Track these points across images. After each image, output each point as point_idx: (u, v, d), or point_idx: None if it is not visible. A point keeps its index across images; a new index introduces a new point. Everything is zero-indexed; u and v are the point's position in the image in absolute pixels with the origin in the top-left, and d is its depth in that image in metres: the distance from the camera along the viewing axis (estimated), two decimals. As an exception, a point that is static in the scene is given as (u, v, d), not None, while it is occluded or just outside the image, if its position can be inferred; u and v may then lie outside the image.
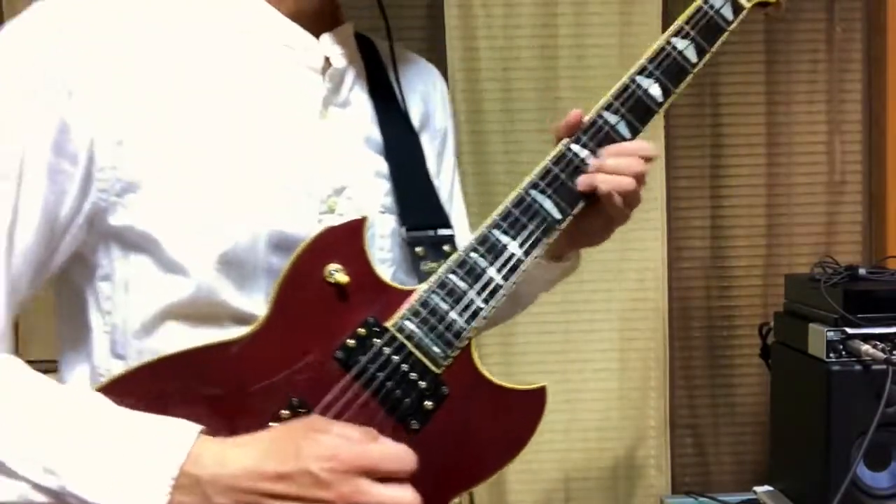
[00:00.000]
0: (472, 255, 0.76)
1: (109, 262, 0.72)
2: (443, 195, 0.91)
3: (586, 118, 0.81)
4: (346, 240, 0.74)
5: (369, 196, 0.82)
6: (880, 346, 1.31)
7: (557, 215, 0.79)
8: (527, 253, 0.77)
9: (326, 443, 0.63)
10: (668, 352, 1.91)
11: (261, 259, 0.73)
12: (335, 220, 0.77)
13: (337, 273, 0.72)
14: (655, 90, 0.82)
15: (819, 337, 1.35)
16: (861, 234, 1.96)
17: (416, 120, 0.90)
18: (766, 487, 1.58)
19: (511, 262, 0.77)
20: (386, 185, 0.84)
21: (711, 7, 0.83)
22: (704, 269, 1.96)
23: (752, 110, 1.93)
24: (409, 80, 0.91)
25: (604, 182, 0.79)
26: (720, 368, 1.96)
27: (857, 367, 1.31)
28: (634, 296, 1.90)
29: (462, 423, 0.75)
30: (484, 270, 0.76)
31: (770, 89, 1.93)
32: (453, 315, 0.75)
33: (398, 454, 0.65)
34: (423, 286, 0.75)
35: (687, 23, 0.83)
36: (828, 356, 1.33)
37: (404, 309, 0.74)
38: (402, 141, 0.86)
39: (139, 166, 0.70)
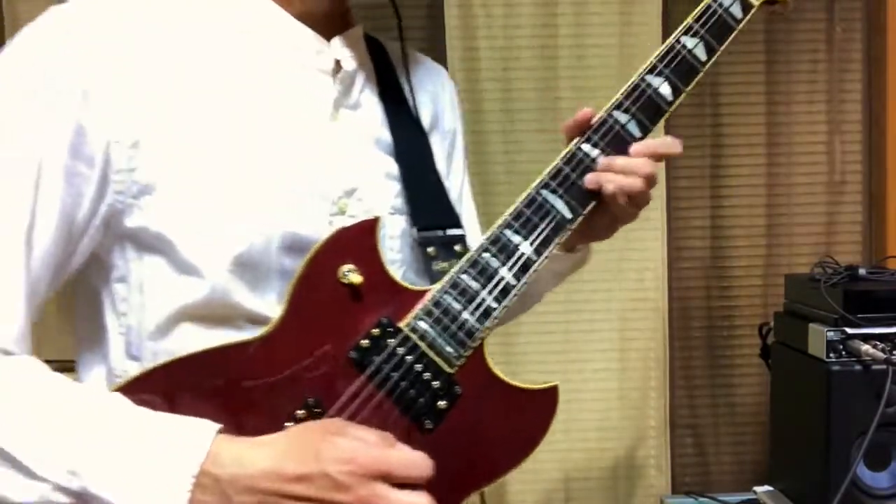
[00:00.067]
0: (485, 255, 0.77)
1: (125, 264, 0.73)
2: (452, 196, 0.92)
3: (596, 117, 0.81)
4: (359, 240, 0.74)
5: (380, 197, 0.82)
6: (880, 346, 1.31)
7: (568, 215, 0.79)
8: (538, 252, 0.78)
9: (345, 446, 0.63)
10: (668, 352, 1.91)
11: (273, 260, 0.74)
12: (346, 222, 0.77)
13: (351, 273, 0.72)
14: (665, 89, 0.82)
15: (819, 337, 1.35)
16: (861, 234, 1.96)
17: (425, 121, 0.91)
18: (766, 487, 1.58)
19: (523, 262, 0.77)
20: (396, 187, 0.84)
21: (721, 5, 0.83)
22: (704, 269, 1.96)
23: (752, 110, 1.93)
24: (419, 81, 0.92)
25: (610, 182, 0.79)
26: (720, 368, 1.96)
27: (857, 367, 1.30)
28: (634, 296, 1.90)
29: (475, 423, 0.75)
30: (496, 270, 0.77)
31: (770, 89, 1.92)
32: (466, 315, 0.75)
33: (415, 460, 0.65)
34: (436, 286, 0.76)
35: (696, 21, 0.83)
36: (828, 356, 1.32)
37: (417, 309, 0.75)
38: (412, 142, 0.87)
39: (154, 168, 0.70)
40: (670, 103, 0.82)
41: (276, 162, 0.75)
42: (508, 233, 0.78)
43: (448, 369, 0.74)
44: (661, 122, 0.83)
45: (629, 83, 0.82)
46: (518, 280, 0.77)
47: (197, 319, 0.73)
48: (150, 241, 0.71)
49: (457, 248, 0.81)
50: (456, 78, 1.83)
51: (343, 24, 0.82)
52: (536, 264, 0.78)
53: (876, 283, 1.44)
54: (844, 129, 1.94)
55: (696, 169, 1.94)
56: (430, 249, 0.80)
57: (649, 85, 0.81)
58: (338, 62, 0.80)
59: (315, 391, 0.71)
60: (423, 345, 0.74)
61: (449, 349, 0.74)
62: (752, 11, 0.84)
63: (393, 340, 0.73)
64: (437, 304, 0.75)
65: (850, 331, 1.32)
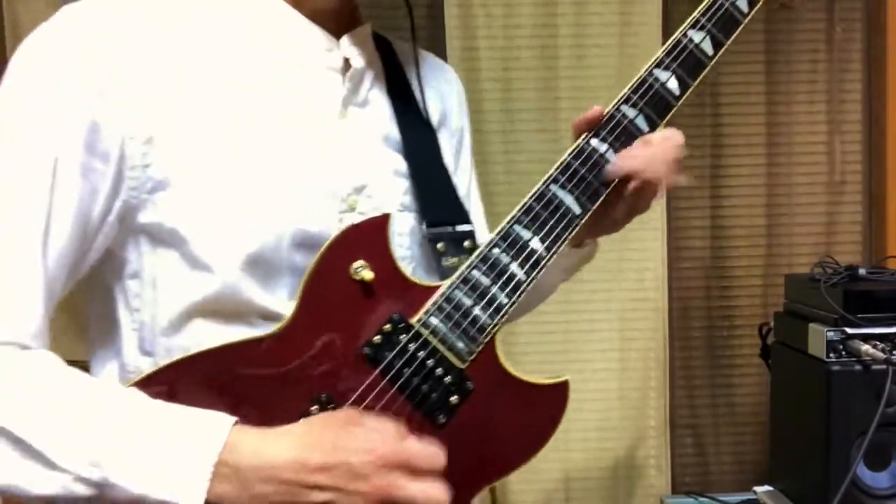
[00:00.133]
0: (495, 250, 0.77)
1: (138, 259, 0.73)
2: (461, 193, 0.92)
3: (605, 112, 0.81)
4: (370, 237, 0.75)
5: (389, 194, 0.82)
6: (880, 346, 1.31)
7: (577, 210, 0.80)
8: (548, 248, 0.78)
9: (364, 436, 0.64)
10: (668, 352, 1.91)
11: (284, 257, 0.74)
12: (356, 219, 0.78)
13: (362, 270, 0.73)
14: (673, 83, 0.82)
15: (819, 337, 1.35)
16: (861, 234, 1.96)
17: (434, 118, 0.91)
18: (766, 487, 1.58)
19: (533, 258, 0.78)
20: (405, 184, 0.84)
21: None
22: (704, 269, 1.96)
23: (752, 110, 1.93)
24: (427, 78, 0.92)
25: (635, 167, 0.79)
26: (720, 368, 1.96)
27: (857, 367, 1.31)
28: (634, 296, 1.90)
29: (486, 418, 0.75)
30: (506, 266, 0.77)
31: (770, 89, 1.92)
32: (477, 311, 0.75)
33: (430, 451, 0.66)
34: (447, 282, 0.76)
35: (703, 15, 0.83)
36: (828, 356, 1.33)
37: (429, 305, 0.75)
38: (421, 139, 0.87)
39: (169, 164, 0.71)
40: (678, 98, 0.82)
41: (286, 159, 0.76)
42: (518, 228, 0.78)
43: (460, 365, 0.75)
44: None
45: (637, 77, 0.82)
46: (528, 276, 0.77)
47: (209, 315, 0.73)
48: (163, 236, 0.72)
49: (466, 244, 0.81)
50: (456, 78, 1.84)
51: (351, 22, 0.83)
52: (546, 259, 0.78)
53: (876, 283, 1.44)
54: (844, 129, 1.94)
55: (696, 169, 1.94)
56: (440, 245, 0.81)
57: (657, 79, 0.82)
58: (347, 60, 0.81)
59: (327, 387, 0.72)
60: (434, 340, 0.74)
61: (460, 345, 0.75)
62: (758, 6, 0.84)
63: (405, 336, 0.74)
64: (448, 299, 0.75)
65: (850, 331, 1.32)
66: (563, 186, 0.79)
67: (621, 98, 0.82)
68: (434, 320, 0.75)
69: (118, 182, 0.71)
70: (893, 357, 1.29)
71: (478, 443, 0.75)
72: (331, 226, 0.76)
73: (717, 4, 0.83)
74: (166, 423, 0.64)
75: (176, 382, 0.69)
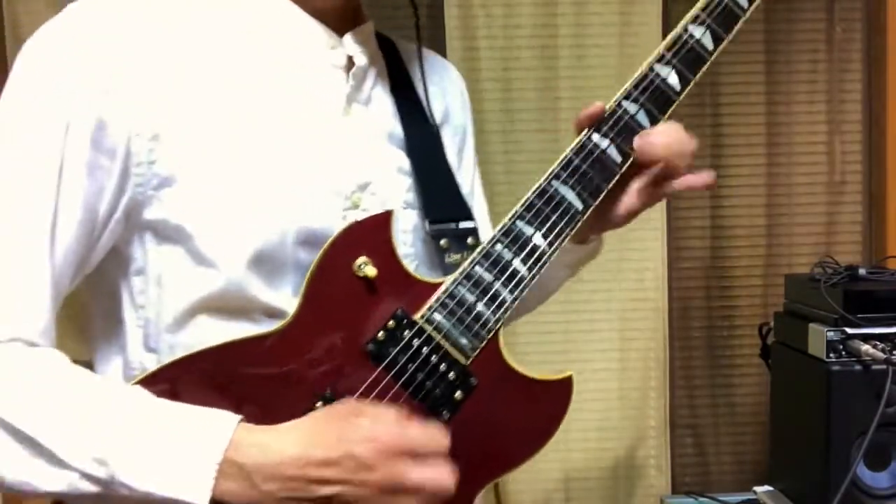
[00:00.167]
0: (497, 246, 0.77)
1: (143, 255, 0.74)
2: (464, 190, 0.92)
3: (606, 107, 0.81)
4: (373, 233, 0.75)
5: (393, 192, 0.83)
6: (880, 346, 1.30)
7: (579, 206, 0.80)
8: (551, 244, 0.78)
9: (367, 426, 0.64)
10: (668, 352, 1.91)
11: (289, 254, 0.75)
12: (359, 216, 0.78)
13: (365, 266, 0.73)
14: (673, 78, 0.82)
15: (819, 337, 1.35)
16: (861, 234, 1.96)
17: (436, 116, 0.91)
18: (766, 487, 1.58)
19: (536, 254, 0.78)
20: (407, 181, 0.84)
21: None
22: (704, 269, 1.96)
23: (752, 110, 1.93)
24: (430, 76, 0.92)
25: (661, 146, 0.80)
26: (720, 368, 1.96)
27: (857, 367, 1.30)
28: (634, 296, 1.90)
29: (491, 413, 0.76)
30: (509, 262, 0.77)
31: (770, 89, 1.92)
32: (480, 307, 0.76)
33: (433, 434, 0.66)
34: (450, 278, 0.76)
35: (703, 10, 0.83)
36: (828, 356, 1.32)
37: (432, 301, 0.75)
38: (424, 137, 0.87)
39: (174, 161, 0.71)
40: (679, 93, 0.82)
41: (291, 156, 0.76)
42: (521, 224, 0.78)
43: (463, 361, 0.75)
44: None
45: (638, 73, 0.82)
46: (531, 271, 0.77)
47: (213, 312, 0.73)
48: (169, 233, 0.72)
49: (469, 240, 0.82)
50: (456, 78, 1.84)
51: (354, 20, 0.83)
52: (549, 255, 0.78)
53: (876, 283, 1.44)
54: (844, 129, 1.94)
55: (696, 169, 1.93)
56: (443, 242, 0.81)
57: (658, 75, 0.82)
58: (350, 58, 0.81)
59: (332, 384, 0.72)
60: (438, 336, 0.74)
61: (464, 341, 0.75)
62: (758, 1, 0.84)
63: (408, 333, 0.74)
64: (451, 295, 0.75)
65: (850, 331, 1.32)
66: (564, 182, 0.79)
67: (622, 93, 0.82)
68: (437, 316, 0.75)
69: (124, 179, 0.71)
70: (893, 357, 1.28)
71: (482, 438, 0.75)
72: (335, 223, 0.76)
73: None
74: (172, 422, 0.65)
75: (180, 380, 0.69)
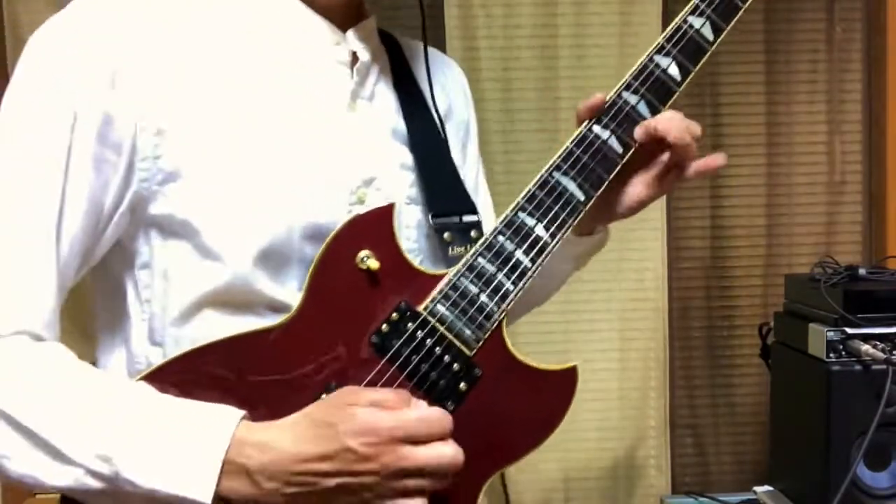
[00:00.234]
0: (499, 238, 0.78)
1: (149, 250, 0.74)
2: (468, 185, 0.92)
3: (607, 98, 0.82)
4: (375, 226, 0.75)
5: (397, 187, 0.83)
6: (880, 346, 1.30)
7: (581, 196, 0.80)
8: (553, 235, 0.79)
9: (363, 416, 0.64)
10: (668, 352, 1.91)
11: (295, 249, 0.75)
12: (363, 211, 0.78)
13: (368, 259, 0.73)
14: (674, 69, 0.82)
15: (819, 337, 1.35)
16: (861, 234, 1.96)
17: (440, 111, 0.91)
18: (766, 487, 1.58)
19: (538, 245, 0.78)
20: (411, 177, 0.85)
21: None
22: (704, 269, 1.96)
23: (752, 110, 1.93)
24: (432, 73, 0.92)
25: (672, 130, 0.80)
26: (720, 368, 1.96)
27: (857, 367, 1.30)
28: (634, 296, 1.90)
29: (495, 404, 0.76)
30: (512, 253, 0.77)
31: (770, 89, 1.92)
32: (483, 298, 0.76)
33: (433, 416, 0.66)
34: (453, 270, 0.77)
35: (703, 0, 0.83)
36: (828, 356, 1.32)
37: (435, 293, 0.75)
38: (427, 132, 0.88)
39: (180, 156, 0.72)
40: (679, 83, 0.83)
41: (296, 152, 0.76)
42: (522, 216, 0.79)
43: (467, 352, 0.75)
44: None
45: (638, 64, 0.82)
46: (533, 263, 0.78)
47: (219, 306, 0.74)
48: (175, 227, 0.73)
49: (473, 233, 0.82)
50: (456, 78, 1.84)
51: (357, 16, 0.83)
52: (551, 246, 0.78)
53: (876, 283, 1.44)
54: (844, 129, 1.94)
55: (696, 169, 1.93)
56: (446, 235, 0.81)
57: (658, 65, 0.82)
58: (354, 54, 0.81)
59: (336, 376, 0.72)
60: (441, 328, 0.74)
61: (467, 332, 0.75)
62: None
63: (412, 324, 0.74)
64: (454, 287, 0.76)
65: (850, 331, 1.32)
66: (565, 174, 0.80)
67: (623, 84, 0.82)
68: (440, 308, 0.75)
69: (129, 173, 0.72)
70: (893, 357, 1.28)
71: (487, 429, 0.75)
72: (340, 218, 0.76)
73: None
74: (176, 419, 0.65)
75: (185, 375, 0.69)
